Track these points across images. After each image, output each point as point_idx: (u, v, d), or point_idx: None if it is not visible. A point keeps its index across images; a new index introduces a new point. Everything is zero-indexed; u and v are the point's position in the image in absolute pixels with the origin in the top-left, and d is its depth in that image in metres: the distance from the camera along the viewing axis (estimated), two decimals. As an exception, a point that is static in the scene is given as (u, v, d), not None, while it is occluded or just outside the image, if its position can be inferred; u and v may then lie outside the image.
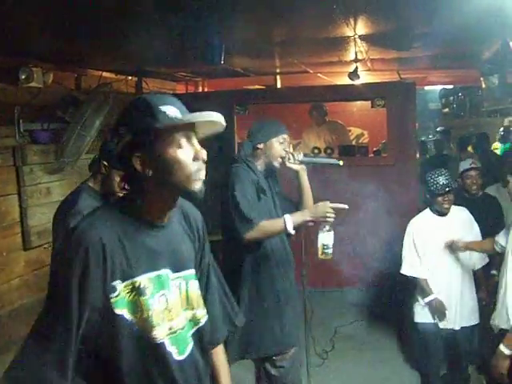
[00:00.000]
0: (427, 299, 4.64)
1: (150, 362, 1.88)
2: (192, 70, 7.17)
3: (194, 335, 2.03)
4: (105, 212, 1.92)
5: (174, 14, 3.59)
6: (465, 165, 5.53)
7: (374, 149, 8.27)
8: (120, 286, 1.82)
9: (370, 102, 7.56)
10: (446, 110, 11.55)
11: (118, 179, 3.25)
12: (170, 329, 1.93)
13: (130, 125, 1.86)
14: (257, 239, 3.61)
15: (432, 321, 4.69)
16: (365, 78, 7.96)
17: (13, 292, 5.10)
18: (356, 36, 4.68)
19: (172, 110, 1.86)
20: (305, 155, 3.85)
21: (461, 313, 4.64)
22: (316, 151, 8.02)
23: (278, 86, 8.54)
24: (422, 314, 4.73)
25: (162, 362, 1.90)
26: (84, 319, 1.76)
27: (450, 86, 11.25)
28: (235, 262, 3.70)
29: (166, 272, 1.95)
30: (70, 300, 1.75)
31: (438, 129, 11.56)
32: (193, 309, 2.04)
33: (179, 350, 1.96)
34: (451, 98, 11.21)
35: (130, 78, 6.87)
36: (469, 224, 4.73)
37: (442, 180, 4.51)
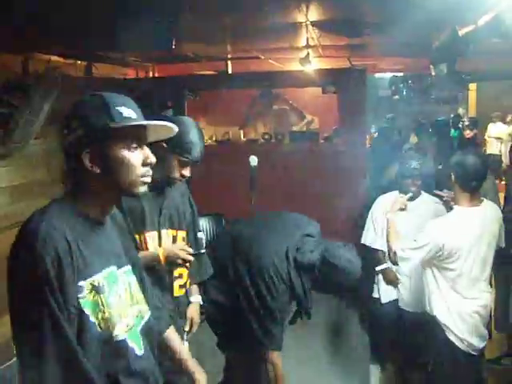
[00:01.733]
0: (380, 267, 4.77)
1: (114, 360, 1.88)
2: (143, 54, 7.08)
3: (141, 331, 2.04)
4: (56, 210, 1.86)
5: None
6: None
7: (325, 135, 8.31)
8: (84, 285, 1.80)
9: (320, 88, 7.60)
10: (396, 97, 11.67)
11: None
12: (127, 325, 1.94)
13: (84, 120, 1.84)
14: None
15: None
16: (316, 64, 7.98)
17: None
18: (308, 22, 4.69)
19: (127, 112, 1.88)
20: None
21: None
22: (266, 137, 8.05)
23: (229, 71, 8.50)
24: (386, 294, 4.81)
25: (125, 358, 1.91)
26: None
27: (401, 74, 11.39)
28: None
29: (113, 269, 1.95)
30: (52, 305, 1.70)
31: (387, 116, 11.68)
32: (137, 304, 2.05)
33: (138, 346, 1.98)
34: (401, 85, 11.32)
35: (79, 62, 6.75)
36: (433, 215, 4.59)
37: (413, 163, 4.59)
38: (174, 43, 4.34)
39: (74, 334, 1.75)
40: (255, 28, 5.11)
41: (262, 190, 5.03)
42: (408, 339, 4.64)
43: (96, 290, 1.83)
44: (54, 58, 6.11)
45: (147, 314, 2.10)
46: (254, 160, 4.88)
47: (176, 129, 1.98)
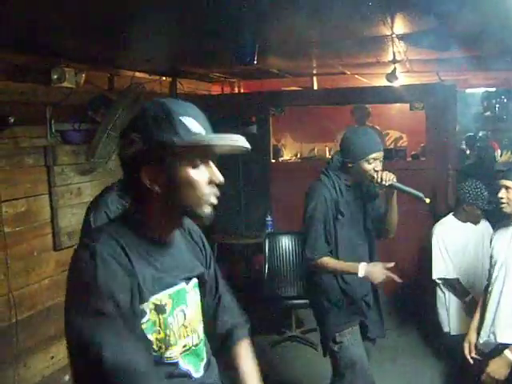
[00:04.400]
0: (469, 297, 4.61)
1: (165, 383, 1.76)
2: (227, 70, 7.09)
3: (200, 350, 1.92)
4: (113, 229, 1.75)
5: (209, 12, 3.51)
6: None
7: (412, 152, 8.10)
8: (146, 307, 1.70)
9: (408, 104, 7.41)
10: (488, 113, 11.27)
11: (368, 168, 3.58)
12: (185, 346, 1.82)
13: (145, 132, 1.67)
14: (316, 269, 3.73)
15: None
16: (403, 79, 7.77)
17: (43, 292, 5.09)
18: (394, 35, 4.53)
19: (194, 125, 1.70)
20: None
21: None
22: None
23: (315, 87, 8.40)
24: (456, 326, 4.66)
25: (178, 381, 1.78)
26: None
27: (493, 89, 11.01)
28: None
29: (183, 286, 1.85)
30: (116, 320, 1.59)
31: (480, 134, 11.30)
32: (199, 322, 1.95)
33: (195, 368, 1.85)
34: (493, 100, 10.93)
35: (163, 78, 6.82)
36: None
37: (486, 193, 4.49)
38: (256, 57, 4.28)
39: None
40: (340, 42, 4.99)
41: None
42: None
43: (158, 309, 1.73)
44: (139, 74, 6.19)
45: (202, 334, 1.96)
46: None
47: (248, 146, 1.75)
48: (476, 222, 4.70)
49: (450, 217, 4.83)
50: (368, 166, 3.59)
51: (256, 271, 7.29)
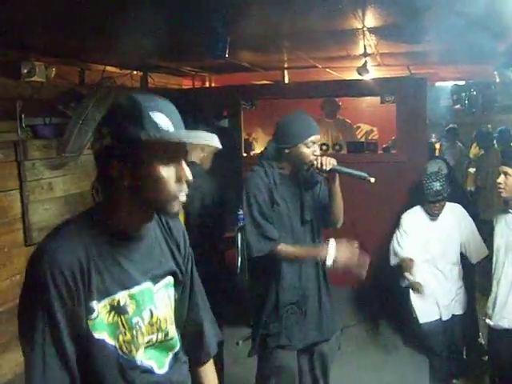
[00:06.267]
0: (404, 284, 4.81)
1: (126, 379, 1.76)
2: (198, 64, 7.07)
3: (171, 348, 1.94)
4: (75, 225, 1.74)
5: (180, 5, 3.50)
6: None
7: (384, 145, 8.15)
8: (98, 307, 1.69)
9: (379, 97, 7.45)
10: (458, 106, 11.38)
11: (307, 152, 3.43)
12: (148, 342, 1.81)
13: (113, 127, 1.68)
14: (276, 258, 3.54)
15: (435, 318, 4.80)
16: (374, 73, 7.82)
17: (14, 288, 5.03)
18: (365, 28, 4.56)
19: (164, 120, 1.68)
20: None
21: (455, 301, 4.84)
22: (324, 147, 7.92)
23: (286, 81, 8.42)
24: (424, 314, 4.75)
25: (139, 378, 1.79)
26: (61, 347, 1.65)
27: (462, 82, 11.12)
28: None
29: (148, 285, 1.83)
30: (55, 330, 1.63)
31: (447, 127, 11.43)
32: (167, 319, 1.92)
33: (158, 364, 1.85)
34: (463, 94, 11.04)
35: (134, 72, 6.78)
36: (458, 223, 4.84)
37: (436, 186, 4.55)
38: (227, 51, 4.28)
39: (69, 356, 1.66)
40: (311, 35, 5.01)
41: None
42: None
43: (116, 309, 1.72)
44: (110, 68, 6.15)
45: (172, 331, 1.95)
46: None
47: (219, 145, 1.72)
48: (434, 215, 4.78)
49: (418, 207, 4.92)
50: (307, 151, 3.43)
51: (230, 264, 7.28)
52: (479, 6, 3.60)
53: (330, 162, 3.43)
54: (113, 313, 1.71)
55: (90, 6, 3.39)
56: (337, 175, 3.53)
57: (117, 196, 1.73)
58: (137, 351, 1.77)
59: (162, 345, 1.89)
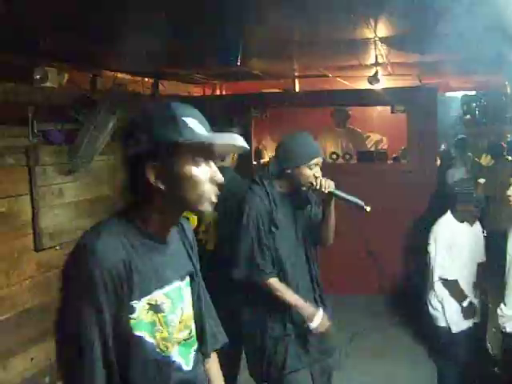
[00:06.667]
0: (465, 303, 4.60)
1: (162, 376, 1.84)
2: (209, 72, 7.10)
3: (193, 345, 2.01)
4: (114, 226, 1.81)
5: (192, 13, 3.52)
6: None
7: (393, 155, 8.15)
8: (138, 306, 1.76)
9: (389, 107, 7.45)
10: (468, 116, 11.36)
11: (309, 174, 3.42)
12: (180, 341, 1.92)
13: (150, 132, 1.75)
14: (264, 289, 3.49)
15: (468, 326, 4.65)
16: (385, 82, 7.83)
17: (24, 293, 5.04)
18: (376, 38, 4.57)
19: (196, 125, 1.77)
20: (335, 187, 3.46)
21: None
22: (334, 156, 7.92)
23: (297, 89, 8.43)
24: (458, 323, 4.66)
25: (173, 374, 1.87)
26: (106, 345, 1.71)
27: (472, 92, 11.11)
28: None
29: (178, 284, 1.92)
30: (91, 330, 1.68)
31: (459, 136, 11.40)
32: (190, 317, 2.02)
33: (186, 361, 1.94)
34: (473, 104, 11.03)
35: (146, 79, 6.81)
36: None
37: (472, 189, 4.56)
38: (239, 59, 4.29)
39: (112, 354, 1.72)
40: (323, 44, 5.02)
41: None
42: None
43: (154, 308, 1.80)
44: (121, 75, 6.18)
45: (193, 328, 2.04)
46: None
47: (246, 146, 1.84)
48: (472, 222, 4.71)
49: (449, 216, 4.78)
50: (309, 172, 3.42)
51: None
52: (490, 16, 3.61)
53: (328, 185, 3.43)
54: (151, 311, 1.79)
55: (103, 13, 3.41)
56: (333, 198, 3.52)
57: (151, 198, 1.81)
58: (172, 348, 1.86)
59: (187, 342, 1.96)
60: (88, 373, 1.67)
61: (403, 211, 6.55)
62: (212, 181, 1.81)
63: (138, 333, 1.75)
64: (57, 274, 5.40)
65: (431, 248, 4.71)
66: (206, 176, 1.79)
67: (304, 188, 3.51)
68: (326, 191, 3.42)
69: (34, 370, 5.13)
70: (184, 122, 1.75)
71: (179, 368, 1.90)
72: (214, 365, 2.28)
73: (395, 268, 6.96)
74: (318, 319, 3.38)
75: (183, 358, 1.92)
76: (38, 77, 4.86)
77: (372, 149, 9.38)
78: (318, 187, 3.43)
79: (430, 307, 4.76)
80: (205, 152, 1.79)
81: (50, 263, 5.32)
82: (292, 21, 4.00)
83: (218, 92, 8.82)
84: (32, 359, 5.10)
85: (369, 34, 4.41)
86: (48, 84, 4.94)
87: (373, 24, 4.03)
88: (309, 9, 3.58)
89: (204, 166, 1.80)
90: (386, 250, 6.50)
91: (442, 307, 4.67)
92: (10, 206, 4.84)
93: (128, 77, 6.39)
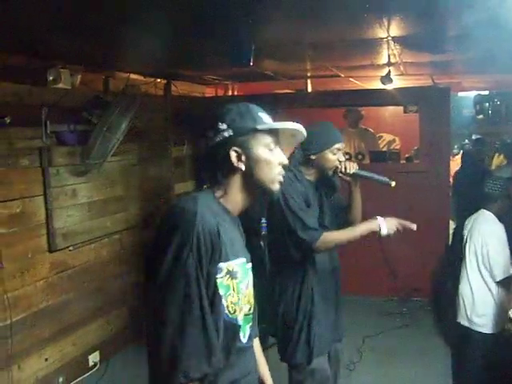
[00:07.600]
0: None
1: (232, 342, 2.05)
2: (221, 72, 7.10)
3: (250, 322, 2.20)
4: (206, 198, 2.08)
5: (205, 14, 3.51)
6: None
7: (406, 155, 8.12)
8: (222, 268, 1.99)
9: (402, 107, 7.43)
10: (481, 116, 11.30)
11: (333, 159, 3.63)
12: (245, 313, 2.13)
13: (232, 123, 2.10)
14: (325, 248, 3.59)
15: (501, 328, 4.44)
16: (397, 82, 7.80)
17: (38, 294, 5.08)
18: (389, 38, 4.55)
19: (266, 117, 2.16)
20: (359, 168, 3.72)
21: None
22: (347, 156, 7.90)
23: (309, 90, 8.41)
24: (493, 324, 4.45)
25: (238, 341, 2.09)
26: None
27: (485, 92, 11.05)
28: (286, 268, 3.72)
29: (244, 260, 2.15)
30: (197, 280, 1.89)
31: (472, 136, 11.33)
32: (251, 298, 2.21)
33: (243, 334, 2.14)
34: (486, 104, 10.97)
35: (158, 80, 6.82)
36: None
37: None
38: (252, 59, 4.29)
39: (207, 306, 1.92)
40: (335, 44, 5.00)
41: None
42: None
43: (231, 274, 2.02)
44: (134, 76, 6.19)
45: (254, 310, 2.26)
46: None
47: (305, 134, 2.22)
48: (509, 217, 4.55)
49: (489, 214, 4.58)
50: (333, 157, 3.63)
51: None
52: (503, 15, 3.59)
53: (353, 166, 3.67)
54: (228, 276, 2.02)
55: (115, 14, 3.42)
56: (358, 181, 3.77)
57: (233, 178, 2.13)
58: (239, 313, 2.07)
59: (247, 317, 2.16)
60: (197, 319, 1.88)
61: (416, 212, 6.52)
62: (281, 163, 2.15)
63: (221, 291, 1.97)
64: (70, 275, 5.44)
65: (489, 248, 4.43)
66: (277, 159, 2.14)
67: (330, 172, 3.69)
68: (351, 172, 3.66)
69: (48, 370, 5.17)
70: (258, 114, 2.14)
71: (239, 337, 2.10)
72: (258, 348, 2.49)
73: (408, 269, 6.92)
74: (384, 225, 3.47)
75: (242, 331, 2.12)
76: (51, 78, 4.89)
77: (385, 149, 9.37)
78: (342, 170, 3.64)
79: (470, 314, 4.50)
80: (274, 138, 2.13)
81: (64, 264, 5.36)
82: (304, 21, 3.99)
83: (230, 93, 8.82)
84: (46, 359, 5.14)
85: (382, 33, 4.38)
86: (61, 85, 4.98)
87: (386, 23, 4.02)
88: (321, 9, 3.58)
89: (275, 151, 2.14)
90: (398, 251, 6.47)
91: (495, 312, 4.40)
92: (24, 206, 4.88)
93: (140, 78, 6.40)
